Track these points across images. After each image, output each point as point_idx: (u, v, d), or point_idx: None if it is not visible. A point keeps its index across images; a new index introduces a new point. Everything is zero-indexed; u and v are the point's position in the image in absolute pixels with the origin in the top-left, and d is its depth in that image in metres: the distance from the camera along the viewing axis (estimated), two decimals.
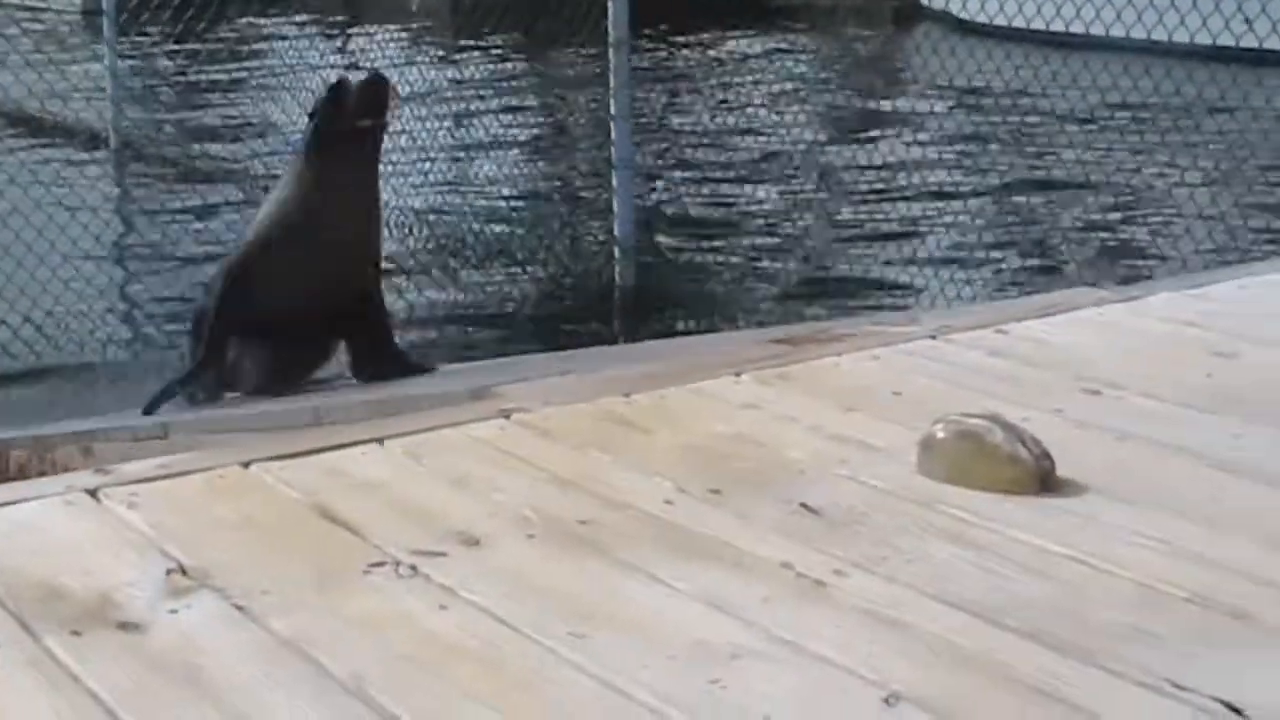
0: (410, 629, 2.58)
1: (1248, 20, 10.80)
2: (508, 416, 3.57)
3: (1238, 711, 2.28)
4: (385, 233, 10.86)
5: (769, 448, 3.37)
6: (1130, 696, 2.35)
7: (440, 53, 19.57)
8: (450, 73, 17.66)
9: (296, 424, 4.25)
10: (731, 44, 20.14)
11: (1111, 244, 10.32)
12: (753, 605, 2.64)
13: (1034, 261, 10.12)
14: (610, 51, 9.33)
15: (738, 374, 3.85)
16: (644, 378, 3.85)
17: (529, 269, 10.22)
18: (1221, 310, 4.34)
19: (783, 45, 20.13)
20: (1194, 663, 2.44)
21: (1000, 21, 16.00)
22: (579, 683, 2.41)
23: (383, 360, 6.04)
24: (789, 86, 17.08)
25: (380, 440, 3.43)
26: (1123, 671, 2.41)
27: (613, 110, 9.43)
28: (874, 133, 13.41)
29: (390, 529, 2.96)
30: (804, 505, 3.04)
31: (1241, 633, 2.55)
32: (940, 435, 3.19)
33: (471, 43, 19.25)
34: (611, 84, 9.40)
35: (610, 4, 9.26)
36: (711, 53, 19.81)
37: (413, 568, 2.80)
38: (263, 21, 19.39)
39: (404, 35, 19.79)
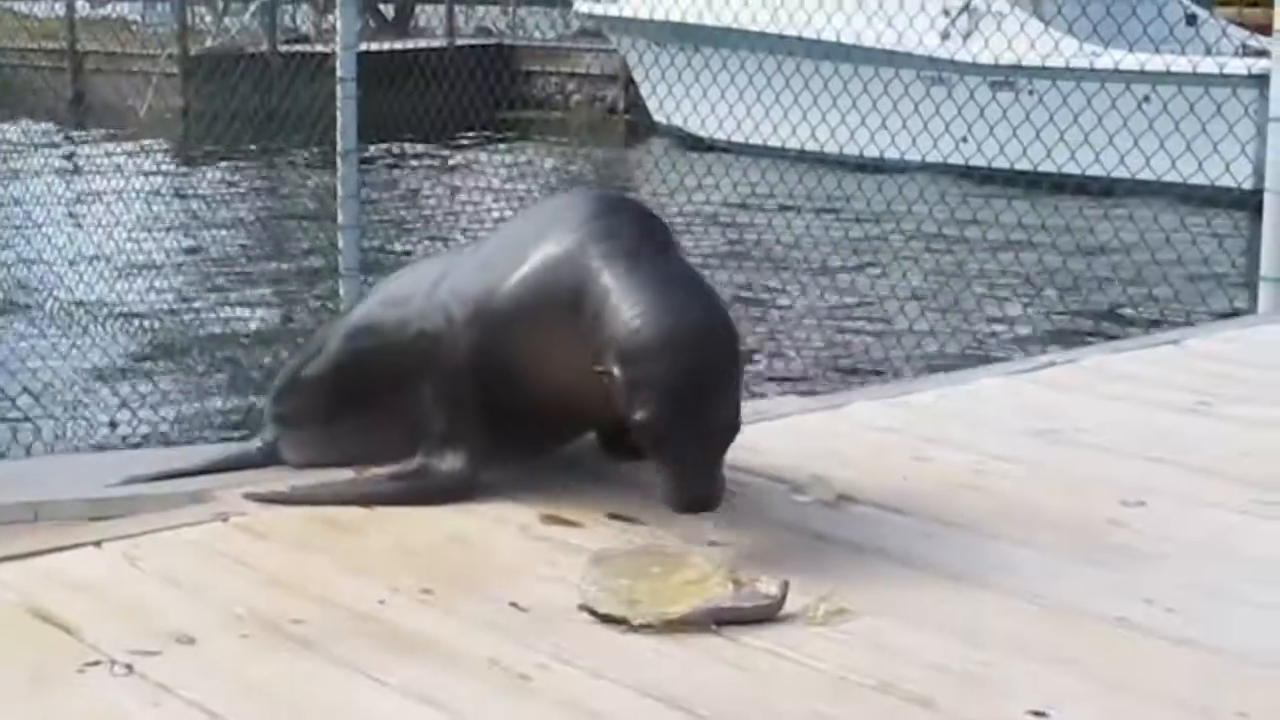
0: None
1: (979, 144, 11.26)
2: (225, 519, 3.64)
3: None
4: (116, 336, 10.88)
5: (480, 549, 3.47)
6: None
7: (167, 164, 19.42)
8: (177, 183, 17.55)
9: (18, 519, 4.26)
10: (459, 156, 20.30)
11: (827, 354, 10.58)
12: (459, 699, 2.74)
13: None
14: (339, 161, 9.38)
15: None
16: None
17: (253, 374, 10.19)
18: (918, 419, 4.51)
19: (511, 160, 20.30)
20: None
21: (738, 138, 16.54)
22: None
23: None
24: (519, 197, 17.23)
25: (98, 543, 3.48)
26: None
27: (340, 220, 9.47)
28: None
29: (106, 629, 3.02)
30: (513, 604, 3.15)
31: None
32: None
33: (200, 152, 19.18)
34: (339, 193, 9.45)
35: (339, 114, 9.33)
36: (443, 164, 19.94)
37: (128, 666, 2.85)
38: None
39: (131, 146, 19.59)
